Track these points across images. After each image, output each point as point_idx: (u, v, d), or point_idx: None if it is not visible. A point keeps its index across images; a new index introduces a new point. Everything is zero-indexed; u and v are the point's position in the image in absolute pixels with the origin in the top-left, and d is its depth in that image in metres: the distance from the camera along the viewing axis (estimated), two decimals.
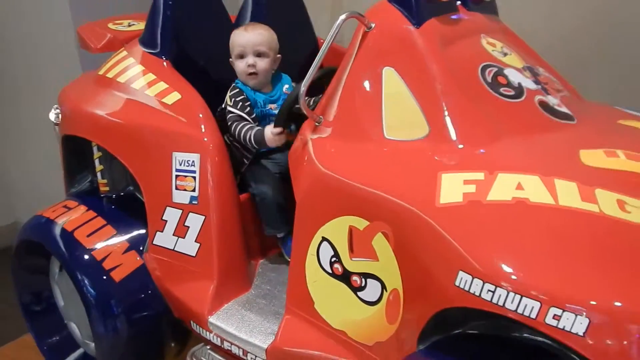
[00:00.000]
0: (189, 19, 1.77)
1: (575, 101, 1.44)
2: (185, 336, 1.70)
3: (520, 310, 0.86)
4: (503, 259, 0.90)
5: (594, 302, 0.82)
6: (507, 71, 1.32)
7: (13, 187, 3.27)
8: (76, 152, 1.85)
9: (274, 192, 1.55)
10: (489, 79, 1.27)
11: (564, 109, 1.33)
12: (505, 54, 1.39)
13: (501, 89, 1.26)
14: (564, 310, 0.83)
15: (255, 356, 1.38)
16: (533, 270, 0.87)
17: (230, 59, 1.62)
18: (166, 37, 1.72)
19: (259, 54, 1.56)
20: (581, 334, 0.82)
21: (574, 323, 0.82)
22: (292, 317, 1.33)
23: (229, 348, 1.44)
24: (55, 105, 1.82)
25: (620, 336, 0.81)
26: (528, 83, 1.32)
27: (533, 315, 0.85)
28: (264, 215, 1.59)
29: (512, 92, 1.27)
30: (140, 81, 1.64)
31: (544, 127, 1.24)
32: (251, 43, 1.55)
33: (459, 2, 1.43)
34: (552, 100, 1.33)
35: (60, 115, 1.79)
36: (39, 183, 2.91)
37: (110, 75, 1.72)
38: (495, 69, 1.30)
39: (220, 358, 1.50)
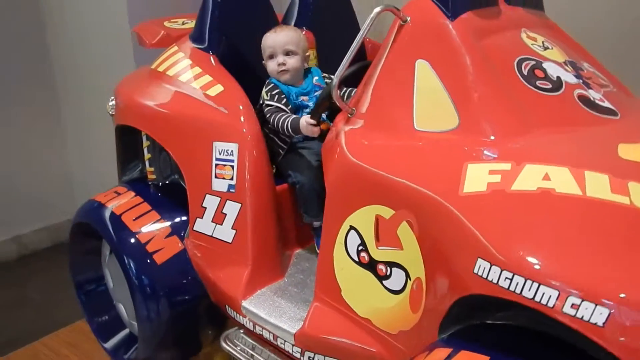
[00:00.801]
0: (236, 16, 1.84)
1: (622, 97, 1.38)
2: (221, 323, 1.76)
3: (537, 299, 0.85)
4: (522, 247, 0.89)
5: (614, 293, 0.80)
6: (545, 64, 1.29)
7: (75, 181, 3.49)
8: (129, 141, 1.96)
9: (311, 179, 1.58)
10: (525, 72, 1.25)
11: (606, 104, 1.29)
12: (546, 48, 1.36)
13: (537, 82, 1.24)
14: (582, 300, 0.81)
15: (285, 341, 1.41)
16: (551, 259, 0.86)
17: (263, 62, 1.69)
18: (213, 33, 1.80)
19: (287, 53, 1.63)
20: (600, 324, 0.79)
21: (593, 313, 0.80)
22: (320, 304, 1.36)
23: (261, 332, 1.49)
24: (112, 97, 1.93)
25: (637, 331, 0.78)
26: (568, 77, 1.29)
27: (551, 304, 0.83)
28: (302, 202, 1.63)
29: (550, 85, 1.24)
30: (187, 74, 1.72)
31: (582, 120, 1.21)
32: (280, 43, 1.64)
33: None
34: (593, 94, 1.29)
35: (115, 107, 1.90)
36: (100, 178, 3.11)
37: (161, 69, 1.82)
38: (532, 62, 1.28)
39: (252, 342, 1.54)
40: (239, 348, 1.54)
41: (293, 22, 2.01)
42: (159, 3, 2.67)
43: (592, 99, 1.27)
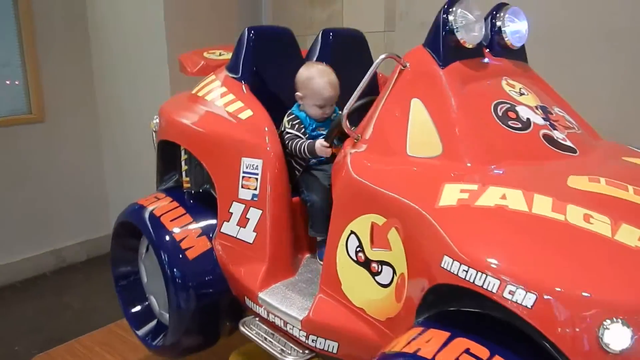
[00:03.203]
0: (267, 51, 2.16)
1: (584, 138, 1.65)
2: (238, 317, 2.02)
3: (485, 286, 1.11)
4: (476, 247, 1.16)
5: (541, 283, 1.06)
6: (518, 108, 1.57)
7: (111, 199, 3.78)
8: (167, 155, 2.27)
9: (322, 201, 1.85)
10: (500, 113, 1.53)
11: (567, 143, 1.56)
12: (521, 94, 1.64)
13: (509, 122, 1.52)
14: (517, 287, 1.07)
15: (293, 326, 1.68)
16: (497, 257, 1.13)
17: (298, 94, 1.92)
18: (247, 65, 2.11)
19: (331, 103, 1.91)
20: (530, 306, 1.06)
21: (525, 298, 1.06)
22: (324, 296, 1.63)
23: (273, 320, 1.76)
24: (156, 116, 2.26)
25: (559, 311, 1.04)
26: (537, 119, 1.57)
27: (494, 290, 1.10)
28: (311, 219, 1.90)
29: (520, 125, 1.52)
30: (222, 100, 2.04)
31: (543, 155, 1.48)
32: (333, 99, 1.89)
33: (487, 50, 1.72)
34: (557, 134, 1.56)
35: (158, 124, 2.22)
36: (134, 196, 3.46)
37: (200, 94, 2.14)
38: (507, 105, 1.56)
39: (265, 328, 1.81)
40: (254, 332, 1.81)
41: (315, 58, 2.32)
42: (195, 36, 3.02)
43: (555, 138, 1.54)
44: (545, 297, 1.05)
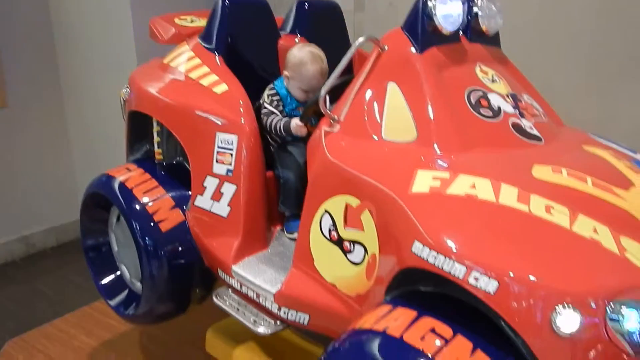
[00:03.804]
0: (242, 21, 2.13)
1: (550, 126, 1.73)
2: (209, 286, 2.07)
3: (452, 272, 1.19)
4: (446, 234, 1.23)
5: (503, 271, 1.14)
6: (490, 95, 1.63)
7: (79, 184, 3.67)
8: (137, 126, 2.24)
9: (296, 178, 1.87)
10: (473, 101, 1.58)
11: (534, 132, 1.63)
12: (493, 81, 1.69)
13: (481, 110, 1.57)
14: (481, 274, 1.15)
15: (266, 299, 1.74)
16: (464, 245, 1.20)
17: (286, 73, 1.90)
18: (221, 36, 2.08)
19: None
20: (492, 292, 1.14)
21: (488, 284, 1.14)
22: (297, 271, 1.68)
23: (246, 292, 1.81)
24: (126, 85, 2.21)
25: (518, 298, 1.13)
26: (507, 107, 1.63)
27: (460, 276, 1.17)
28: (283, 194, 1.93)
29: (491, 113, 1.58)
30: (196, 72, 2.02)
31: (511, 143, 1.55)
32: (321, 85, 1.78)
33: (462, 34, 1.75)
34: (525, 122, 1.63)
35: (129, 94, 2.19)
36: None
37: (173, 64, 2.11)
38: (480, 93, 1.61)
39: (238, 299, 1.87)
40: (227, 303, 1.87)
41: (289, 28, 2.31)
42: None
43: (523, 126, 1.61)
44: (506, 284, 1.13)
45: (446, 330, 1.20)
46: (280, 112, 1.91)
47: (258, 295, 1.77)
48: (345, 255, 1.55)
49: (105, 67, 3.27)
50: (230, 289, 1.91)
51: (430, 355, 1.14)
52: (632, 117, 2.43)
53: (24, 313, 2.89)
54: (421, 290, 1.33)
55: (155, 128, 2.12)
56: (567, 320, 1.09)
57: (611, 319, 1.09)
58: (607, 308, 1.10)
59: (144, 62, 2.40)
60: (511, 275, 1.13)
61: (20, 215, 3.49)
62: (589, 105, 2.49)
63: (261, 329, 1.73)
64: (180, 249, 1.99)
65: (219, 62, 2.05)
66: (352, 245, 1.53)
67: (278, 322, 1.75)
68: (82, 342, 2.53)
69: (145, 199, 1.99)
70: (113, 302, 2.20)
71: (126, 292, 2.21)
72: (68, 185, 3.67)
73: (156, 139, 2.13)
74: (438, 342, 1.17)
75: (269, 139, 1.96)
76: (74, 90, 3.54)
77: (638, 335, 1.09)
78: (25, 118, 3.42)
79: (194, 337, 2.32)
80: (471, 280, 1.16)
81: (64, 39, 3.45)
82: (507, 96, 1.67)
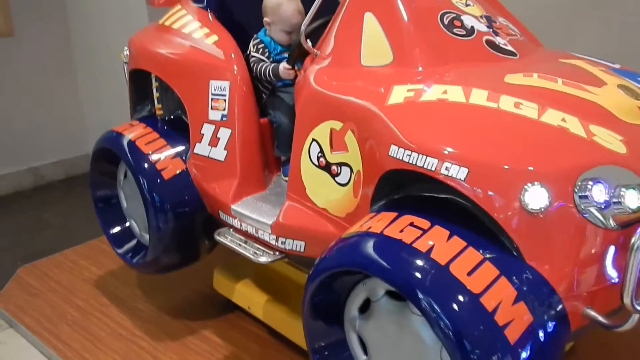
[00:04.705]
0: None
1: (525, 44, 1.77)
2: (213, 235, 2.15)
3: (426, 166, 1.26)
4: (418, 134, 1.30)
5: (471, 158, 1.21)
6: (463, 17, 1.68)
7: (88, 119, 3.80)
8: (139, 85, 2.35)
9: (288, 121, 1.95)
10: (446, 22, 1.64)
11: (509, 47, 1.68)
12: (467, 5, 1.75)
13: (454, 30, 1.63)
14: (451, 164, 1.22)
15: (264, 231, 1.83)
16: (435, 140, 1.27)
17: (267, 20, 1.98)
18: None
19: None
20: (462, 179, 1.21)
21: (458, 172, 1.21)
22: (290, 202, 1.77)
23: (246, 229, 1.90)
24: (126, 47, 2.32)
25: (487, 180, 1.19)
26: (480, 27, 1.68)
27: (433, 169, 1.24)
28: (277, 139, 2.02)
29: (464, 32, 1.64)
30: (189, 27, 2.11)
31: (485, 58, 1.60)
32: (300, 25, 1.85)
33: None
34: (499, 40, 1.68)
35: (129, 55, 2.29)
36: (111, 118, 3.49)
37: (167, 23, 2.21)
38: (453, 15, 1.67)
39: (239, 236, 1.96)
40: (229, 239, 1.96)
41: None
42: None
43: (497, 43, 1.66)
44: (475, 169, 1.20)
45: (424, 223, 1.27)
46: (267, 58, 1.99)
47: (257, 230, 1.86)
48: (334, 179, 1.63)
49: (112, 16, 3.33)
50: (231, 229, 2.00)
51: (408, 243, 1.22)
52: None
53: (33, 242, 3.00)
54: (404, 197, 1.40)
55: (154, 84, 2.22)
56: (536, 196, 1.15)
57: (580, 196, 1.15)
58: (575, 184, 1.15)
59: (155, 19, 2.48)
60: (479, 160, 1.20)
61: (29, 147, 3.53)
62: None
63: (262, 259, 1.82)
64: (183, 197, 2.08)
65: (210, 18, 2.14)
66: (339, 167, 1.61)
67: (277, 253, 1.83)
68: (91, 272, 2.64)
69: (148, 151, 2.09)
70: (121, 251, 2.31)
71: (135, 241, 2.32)
72: (76, 119, 3.71)
73: (155, 94, 2.23)
74: (416, 233, 1.24)
75: (260, 87, 2.04)
76: (81, 26, 3.58)
77: (605, 207, 1.14)
78: (32, 48, 3.46)
79: (203, 275, 2.41)
80: (443, 171, 1.23)
81: None
82: (481, 17, 1.73)
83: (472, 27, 1.66)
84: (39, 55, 3.52)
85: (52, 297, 2.47)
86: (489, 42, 1.65)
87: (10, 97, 3.46)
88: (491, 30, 1.70)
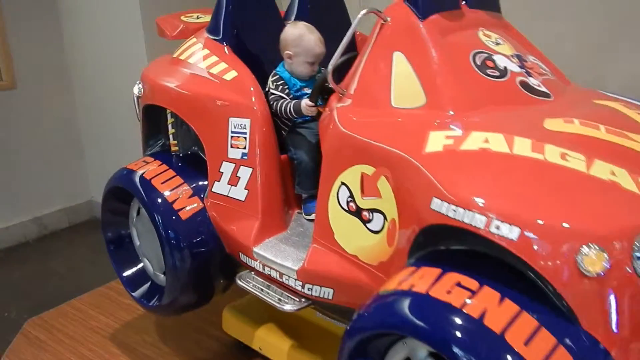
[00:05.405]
0: (246, 12, 2.17)
1: (557, 84, 1.73)
2: (231, 274, 2.10)
3: (473, 223, 1.20)
4: (463, 187, 1.24)
5: (523, 217, 1.15)
6: (495, 57, 1.64)
7: (88, 166, 3.79)
8: (152, 120, 2.29)
9: (309, 159, 1.90)
10: (479, 63, 1.59)
11: (543, 89, 1.64)
12: (497, 44, 1.71)
13: (488, 70, 1.59)
14: (502, 222, 1.16)
15: (289, 277, 1.76)
16: (483, 195, 1.21)
17: (288, 52, 1.93)
18: (227, 27, 2.12)
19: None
20: (514, 239, 1.15)
21: (509, 231, 1.15)
22: (317, 246, 1.70)
23: (269, 273, 1.83)
24: (138, 81, 2.26)
25: (541, 241, 1.13)
26: (513, 67, 1.64)
27: (481, 227, 1.19)
28: (298, 176, 1.96)
29: (497, 73, 1.59)
30: (206, 62, 2.05)
31: (520, 101, 1.56)
32: (322, 56, 1.90)
33: (463, 2, 1.76)
34: (533, 81, 1.64)
35: (142, 89, 2.23)
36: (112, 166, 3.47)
37: (182, 57, 2.15)
38: (485, 55, 1.63)
39: (262, 281, 1.89)
40: (251, 285, 1.89)
41: (293, 17, 2.34)
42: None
43: (531, 84, 1.62)
44: (528, 229, 1.14)
45: (472, 283, 1.21)
46: (287, 95, 1.93)
47: (281, 275, 1.79)
48: (365, 225, 1.57)
49: (114, 59, 3.33)
50: (253, 272, 1.93)
51: (458, 307, 1.15)
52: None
53: (39, 292, 2.95)
54: (444, 250, 1.34)
55: (170, 120, 2.15)
56: (593, 260, 1.09)
57: (638, 257, 1.10)
58: (633, 246, 1.10)
59: (153, 58, 2.44)
60: (532, 220, 1.14)
61: (32, 196, 3.56)
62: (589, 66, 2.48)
63: (287, 307, 1.75)
64: (201, 237, 2.01)
65: (227, 51, 2.08)
66: (370, 213, 1.55)
67: (303, 300, 1.76)
68: (99, 321, 2.59)
69: (164, 189, 2.03)
70: (137, 294, 2.24)
71: (149, 283, 2.24)
72: (79, 166, 3.75)
73: (171, 130, 2.16)
74: (465, 294, 1.18)
75: (280, 124, 1.99)
76: (82, 76, 3.61)
77: None
78: (34, 99, 3.50)
79: (211, 316, 2.36)
80: (492, 229, 1.17)
81: (71, 26, 3.53)
82: (512, 57, 1.68)
83: (505, 68, 1.62)
84: (41, 106, 3.57)
85: (60, 349, 2.40)
86: (522, 84, 1.60)
87: (13, 149, 3.51)
88: (524, 70, 1.65)
